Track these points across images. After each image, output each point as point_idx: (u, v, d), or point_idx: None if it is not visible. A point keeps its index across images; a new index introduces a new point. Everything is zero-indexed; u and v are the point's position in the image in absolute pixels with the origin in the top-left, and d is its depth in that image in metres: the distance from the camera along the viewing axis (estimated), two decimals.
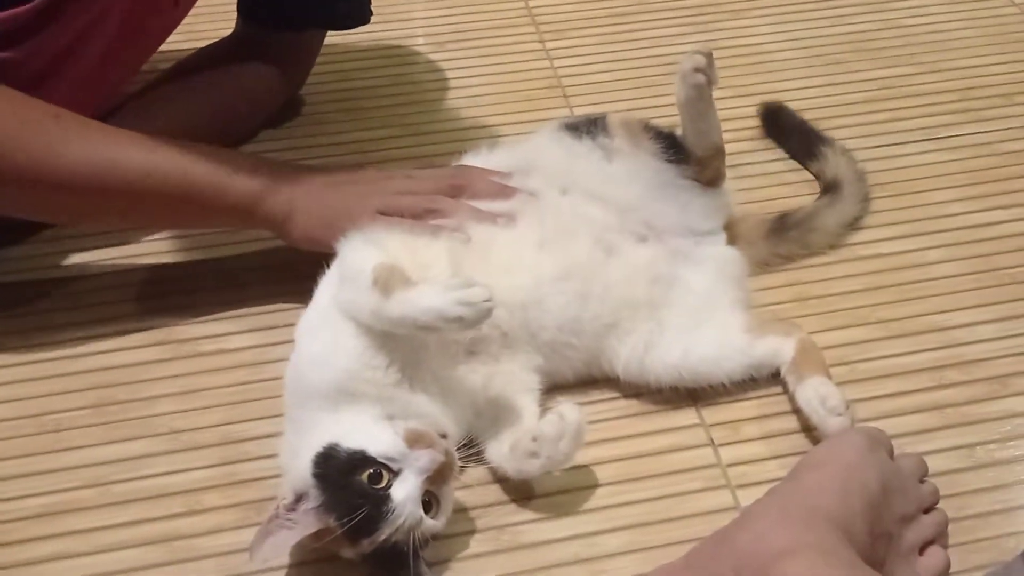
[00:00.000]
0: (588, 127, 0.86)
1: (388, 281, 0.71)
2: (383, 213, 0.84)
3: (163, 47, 1.03)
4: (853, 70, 1.16)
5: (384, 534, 0.66)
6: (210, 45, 1.09)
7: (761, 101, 1.08)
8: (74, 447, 0.80)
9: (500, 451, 0.74)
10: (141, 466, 0.79)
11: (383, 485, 0.66)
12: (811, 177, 1.01)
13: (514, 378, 0.78)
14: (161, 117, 0.99)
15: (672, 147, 0.85)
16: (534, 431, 0.72)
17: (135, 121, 0.97)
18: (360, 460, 0.67)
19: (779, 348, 0.81)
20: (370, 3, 1.08)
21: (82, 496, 0.77)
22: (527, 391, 0.78)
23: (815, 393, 0.77)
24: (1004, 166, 1.03)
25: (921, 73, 1.15)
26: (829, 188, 0.96)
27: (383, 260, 0.73)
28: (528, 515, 0.75)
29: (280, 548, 0.68)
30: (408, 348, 0.73)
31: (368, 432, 0.69)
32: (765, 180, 1.02)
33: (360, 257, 0.76)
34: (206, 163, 0.84)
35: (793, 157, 1.04)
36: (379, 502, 0.66)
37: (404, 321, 0.70)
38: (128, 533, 0.75)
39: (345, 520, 0.65)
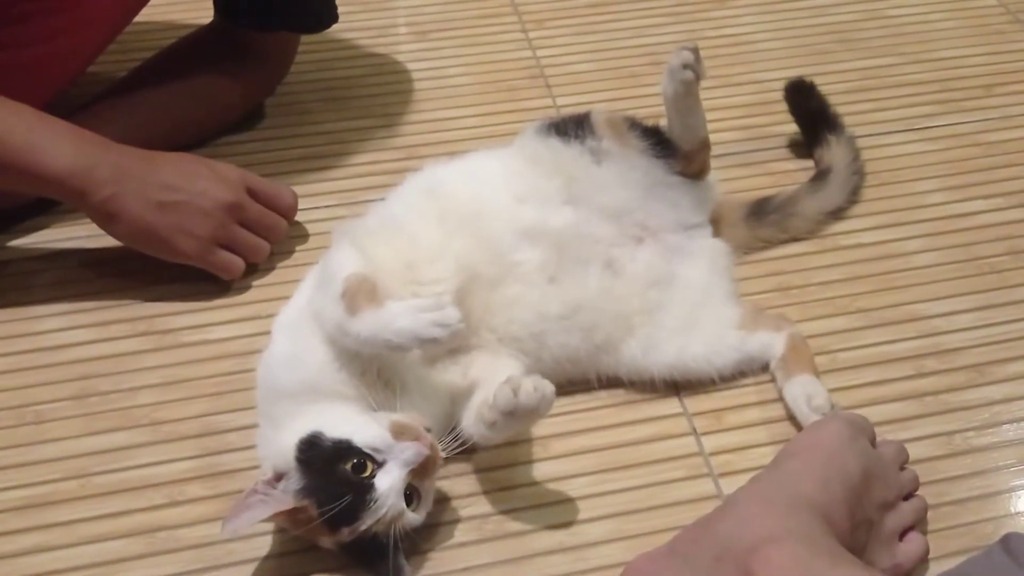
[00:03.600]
0: (575, 129, 0.83)
1: (355, 296, 0.69)
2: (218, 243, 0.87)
3: (143, 34, 1.02)
4: (836, 60, 1.17)
5: (366, 524, 0.65)
6: (189, 36, 1.08)
7: (744, 90, 1.09)
8: (55, 439, 0.80)
9: (469, 419, 0.72)
10: (123, 457, 0.79)
11: (367, 475, 0.66)
12: (795, 168, 1.02)
13: (495, 365, 0.76)
14: (138, 111, 0.99)
15: (659, 143, 0.84)
16: (488, 400, 0.69)
17: (109, 114, 0.97)
18: (345, 449, 0.67)
19: (770, 343, 0.81)
20: (335, 5, 1.06)
21: (63, 488, 0.77)
22: (507, 371, 0.75)
23: (802, 391, 0.77)
24: (984, 156, 1.04)
25: (903, 64, 1.16)
26: (819, 175, 0.97)
27: (360, 270, 0.71)
28: (512, 504, 0.75)
29: (253, 521, 0.67)
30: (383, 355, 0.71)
31: (353, 422, 0.68)
32: (749, 170, 1.02)
33: (339, 261, 0.74)
34: (25, 129, 0.82)
35: (803, 137, 1.03)
36: (362, 491, 0.65)
37: (372, 341, 0.68)
38: (110, 525, 0.74)
39: (327, 508, 0.65)
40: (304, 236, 0.97)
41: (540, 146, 0.84)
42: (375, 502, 0.65)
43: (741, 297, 0.87)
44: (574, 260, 0.80)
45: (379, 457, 0.67)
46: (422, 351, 0.72)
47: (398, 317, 0.68)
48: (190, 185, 0.87)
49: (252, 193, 0.91)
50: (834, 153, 0.97)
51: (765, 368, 0.82)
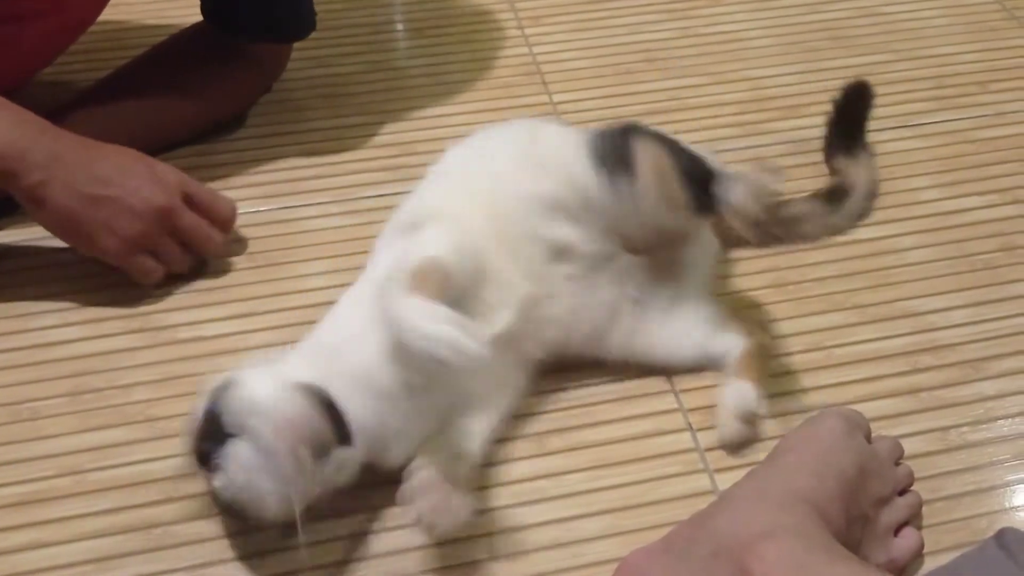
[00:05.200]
0: (613, 159, 0.76)
1: (425, 278, 0.66)
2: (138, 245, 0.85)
3: (133, 31, 1.02)
4: (829, 57, 1.17)
5: None
6: (179, 34, 1.08)
7: (737, 87, 1.09)
8: (50, 435, 0.80)
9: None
10: (118, 454, 0.78)
11: None
12: (792, 163, 1.01)
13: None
14: (124, 109, 0.99)
15: (701, 201, 0.76)
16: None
17: (92, 112, 0.96)
18: None
19: (731, 348, 0.81)
20: (314, 12, 1.05)
21: (58, 484, 0.76)
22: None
23: (736, 392, 0.77)
24: (978, 153, 1.04)
25: (897, 61, 1.16)
26: (838, 192, 0.91)
27: (450, 258, 0.69)
28: (506, 500, 0.75)
29: None
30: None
31: None
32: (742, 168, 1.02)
33: (431, 240, 0.72)
34: None
35: (828, 140, 0.98)
36: None
37: (396, 324, 0.66)
38: (105, 521, 0.74)
39: None
40: (302, 232, 0.97)
41: (577, 169, 0.78)
42: None
43: (733, 292, 0.87)
44: (591, 270, 0.80)
45: None
46: (425, 363, 0.66)
47: (427, 316, 0.64)
48: (124, 182, 0.85)
49: (189, 200, 0.88)
50: (858, 172, 0.92)
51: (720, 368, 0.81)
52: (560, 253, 0.79)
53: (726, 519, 0.64)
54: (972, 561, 0.53)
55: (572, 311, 0.79)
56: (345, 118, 1.09)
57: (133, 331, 0.87)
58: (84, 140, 0.86)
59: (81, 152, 0.85)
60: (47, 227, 0.87)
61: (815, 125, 1.06)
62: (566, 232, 0.79)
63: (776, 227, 0.88)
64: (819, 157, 1.03)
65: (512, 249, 0.77)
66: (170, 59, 1.05)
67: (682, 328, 0.82)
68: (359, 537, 0.73)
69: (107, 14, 1.05)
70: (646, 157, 0.76)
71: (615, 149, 0.77)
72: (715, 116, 1.08)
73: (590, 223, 0.79)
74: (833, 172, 0.95)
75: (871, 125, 1.06)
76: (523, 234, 0.78)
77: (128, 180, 0.85)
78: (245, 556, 0.72)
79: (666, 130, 0.83)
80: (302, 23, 1.05)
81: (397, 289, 0.67)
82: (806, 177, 1.00)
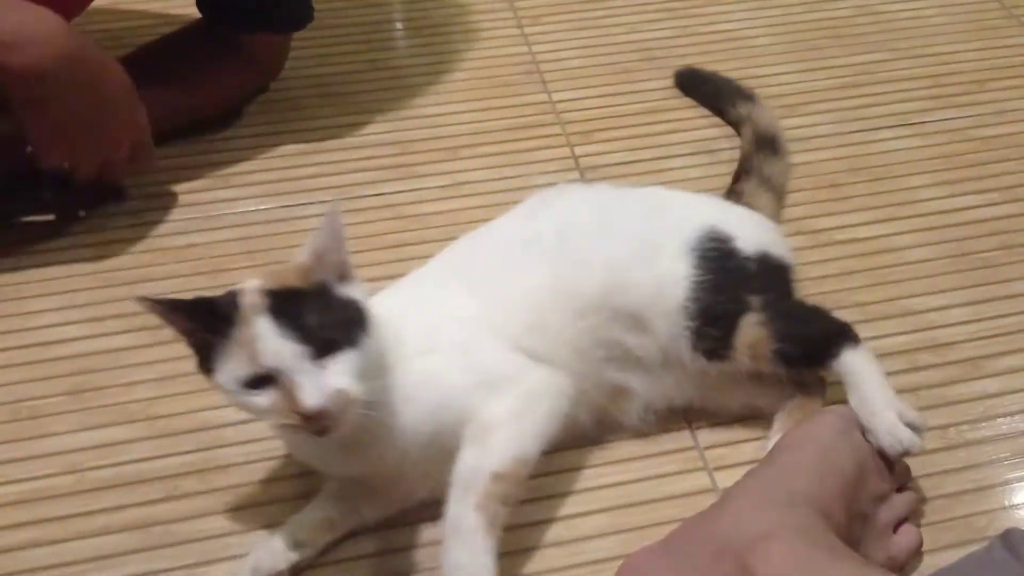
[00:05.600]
0: (715, 339, 0.74)
1: (492, 498, 0.66)
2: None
3: (130, 28, 1.02)
4: (829, 56, 1.17)
5: None
6: (178, 30, 1.08)
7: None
8: (51, 434, 0.80)
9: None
10: (118, 452, 0.78)
11: None
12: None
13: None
14: None
15: (795, 369, 0.76)
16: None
17: None
18: None
19: (782, 398, 0.78)
20: (311, 4, 1.05)
21: (59, 483, 0.77)
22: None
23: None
24: (976, 151, 1.04)
25: (896, 59, 1.16)
26: (766, 140, 0.98)
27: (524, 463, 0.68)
28: None
29: None
30: None
31: None
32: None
33: (506, 362, 0.71)
34: None
35: (719, 99, 1.07)
36: None
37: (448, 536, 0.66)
38: (106, 519, 0.74)
39: None
40: (301, 232, 0.96)
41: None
42: None
43: None
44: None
45: None
46: None
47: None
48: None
49: None
50: (760, 108, 1.02)
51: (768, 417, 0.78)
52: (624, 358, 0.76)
53: (728, 519, 0.64)
54: (977, 562, 0.53)
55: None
56: (344, 116, 1.09)
57: (134, 329, 0.87)
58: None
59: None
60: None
61: (816, 123, 1.07)
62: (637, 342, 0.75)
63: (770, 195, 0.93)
64: (822, 155, 1.04)
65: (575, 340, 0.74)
66: (163, 52, 1.05)
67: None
68: (358, 536, 0.73)
69: (110, 7, 1.05)
70: (746, 336, 0.74)
71: (721, 326, 0.74)
72: (713, 115, 1.08)
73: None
74: (739, 119, 1.02)
75: (869, 124, 1.08)
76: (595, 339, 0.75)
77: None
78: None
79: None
80: (299, 14, 1.05)
81: (465, 501, 0.66)
82: (805, 176, 1.01)
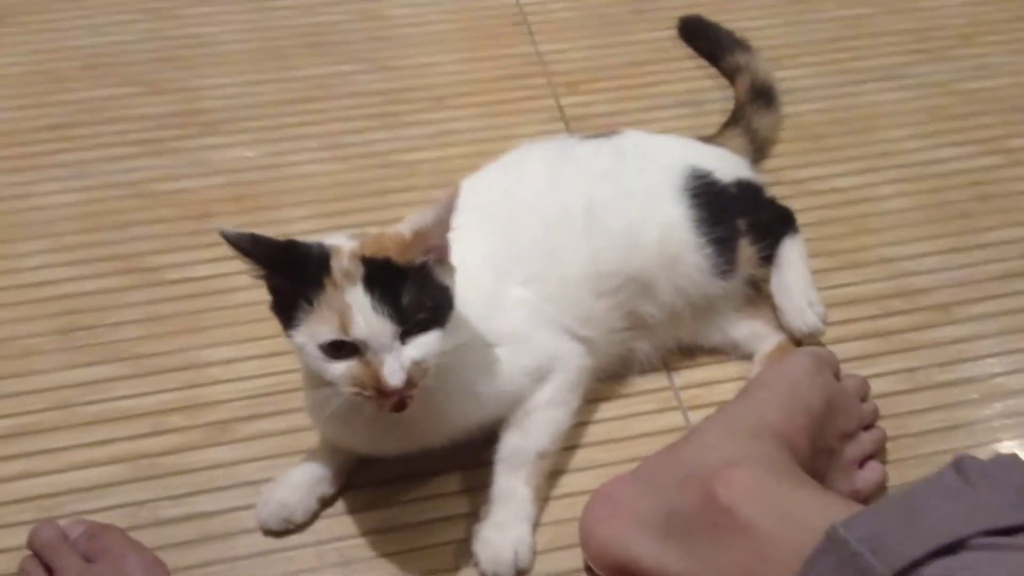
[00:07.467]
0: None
1: (540, 474, 0.72)
2: None
3: None
4: (815, 9, 1.17)
5: None
6: None
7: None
8: (41, 371, 0.82)
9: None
10: (106, 389, 0.80)
11: None
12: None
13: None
14: None
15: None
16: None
17: None
18: None
19: (761, 336, 0.81)
20: None
21: (49, 418, 0.79)
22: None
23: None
24: (958, 104, 1.05)
25: (882, 14, 1.16)
26: (762, 91, 1.00)
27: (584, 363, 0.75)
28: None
29: None
30: None
31: None
32: (724, 116, 1.03)
33: (562, 352, 0.74)
34: None
35: (716, 50, 1.08)
36: None
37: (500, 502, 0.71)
38: (94, 452, 0.76)
39: None
40: (288, 178, 0.98)
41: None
42: None
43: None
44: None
45: None
46: None
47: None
48: None
49: None
50: (757, 59, 1.04)
51: (747, 357, 0.82)
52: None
53: (695, 449, 0.66)
54: (928, 486, 0.55)
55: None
56: (331, 66, 1.10)
57: (121, 272, 0.89)
58: None
59: None
60: None
61: (801, 76, 1.08)
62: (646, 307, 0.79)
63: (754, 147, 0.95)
64: (806, 107, 1.05)
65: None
66: None
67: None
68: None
69: None
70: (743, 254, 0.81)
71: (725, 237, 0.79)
72: (703, 67, 1.09)
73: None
74: (737, 69, 1.04)
75: (854, 77, 1.09)
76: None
77: None
78: (230, 486, 0.74)
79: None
80: None
81: (516, 476, 0.71)
82: (788, 127, 1.02)
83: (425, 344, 0.62)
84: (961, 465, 0.56)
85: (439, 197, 0.63)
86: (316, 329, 0.61)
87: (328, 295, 0.60)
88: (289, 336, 0.62)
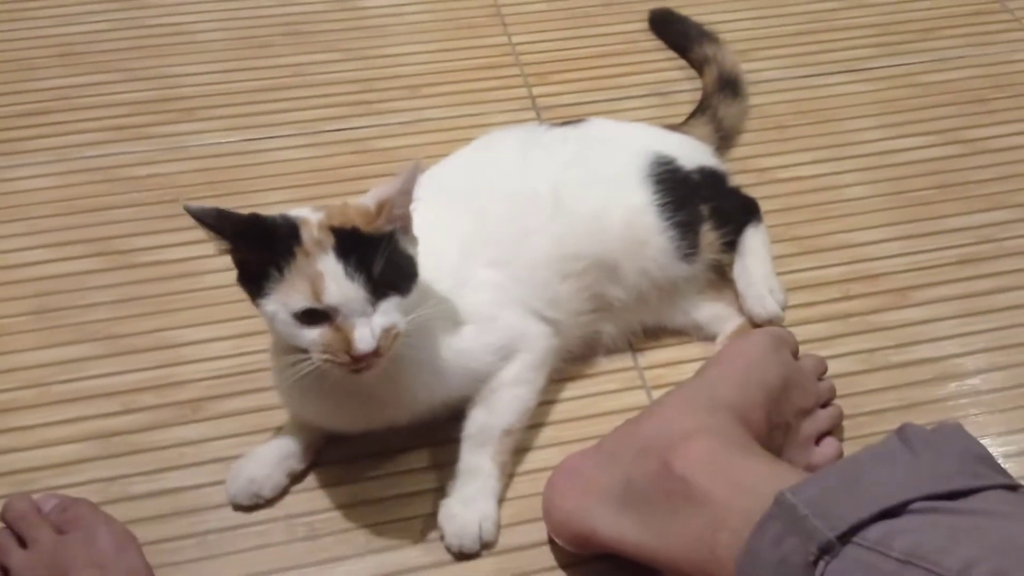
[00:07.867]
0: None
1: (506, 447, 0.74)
2: None
3: None
4: (783, 3, 1.19)
5: None
6: None
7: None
8: (14, 350, 0.83)
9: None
10: (79, 368, 0.81)
11: None
12: (757, 103, 1.05)
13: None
14: None
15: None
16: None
17: None
18: None
19: (723, 318, 0.83)
20: None
21: (23, 396, 0.80)
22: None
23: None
24: (919, 96, 1.07)
25: (846, 8, 1.19)
26: (729, 82, 1.02)
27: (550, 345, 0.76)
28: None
29: None
30: None
31: None
32: (692, 106, 1.05)
33: (528, 331, 0.75)
34: None
35: (684, 41, 1.10)
36: None
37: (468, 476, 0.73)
38: (67, 430, 0.77)
39: None
40: (263, 164, 0.99)
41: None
42: None
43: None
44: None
45: None
46: None
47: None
48: None
49: None
50: (723, 50, 1.06)
51: (710, 338, 0.84)
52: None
53: (654, 423, 0.68)
54: (875, 454, 0.57)
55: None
56: (308, 55, 1.11)
57: (95, 254, 0.90)
58: None
59: None
60: None
61: (767, 68, 1.10)
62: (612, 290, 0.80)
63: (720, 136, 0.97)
64: (771, 99, 1.07)
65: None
66: None
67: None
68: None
69: None
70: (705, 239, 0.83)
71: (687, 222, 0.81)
72: (672, 59, 1.11)
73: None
74: (705, 60, 1.06)
75: (819, 69, 1.11)
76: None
77: None
78: (200, 463, 0.76)
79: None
80: None
81: (481, 453, 0.73)
82: (753, 117, 1.04)
83: (391, 310, 0.63)
84: (905, 433, 0.58)
85: (401, 169, 0.65)
86: (289, 297, 0.62)
87: (299, 263, 0.62)
88: (258, 305, 0.64)
